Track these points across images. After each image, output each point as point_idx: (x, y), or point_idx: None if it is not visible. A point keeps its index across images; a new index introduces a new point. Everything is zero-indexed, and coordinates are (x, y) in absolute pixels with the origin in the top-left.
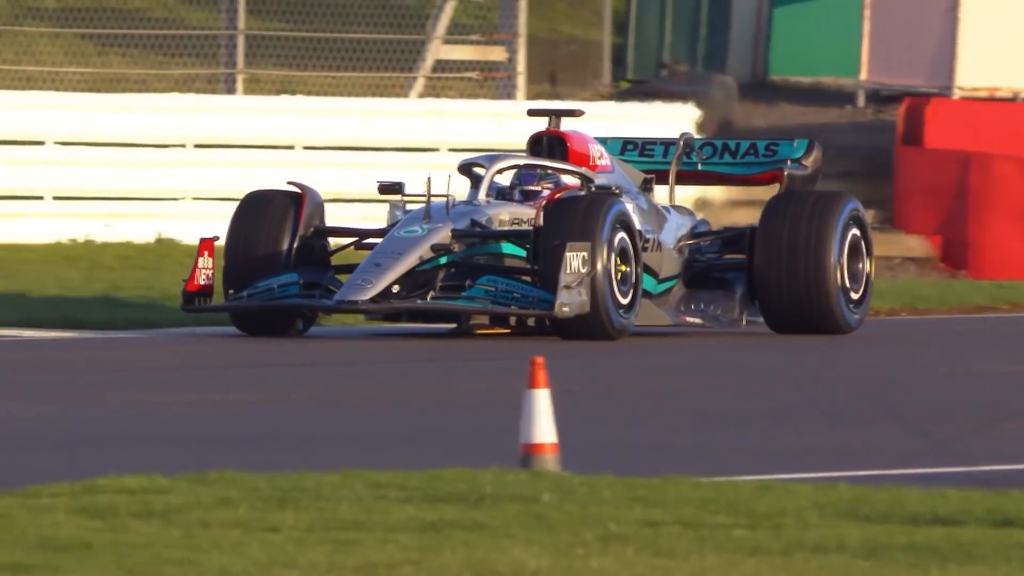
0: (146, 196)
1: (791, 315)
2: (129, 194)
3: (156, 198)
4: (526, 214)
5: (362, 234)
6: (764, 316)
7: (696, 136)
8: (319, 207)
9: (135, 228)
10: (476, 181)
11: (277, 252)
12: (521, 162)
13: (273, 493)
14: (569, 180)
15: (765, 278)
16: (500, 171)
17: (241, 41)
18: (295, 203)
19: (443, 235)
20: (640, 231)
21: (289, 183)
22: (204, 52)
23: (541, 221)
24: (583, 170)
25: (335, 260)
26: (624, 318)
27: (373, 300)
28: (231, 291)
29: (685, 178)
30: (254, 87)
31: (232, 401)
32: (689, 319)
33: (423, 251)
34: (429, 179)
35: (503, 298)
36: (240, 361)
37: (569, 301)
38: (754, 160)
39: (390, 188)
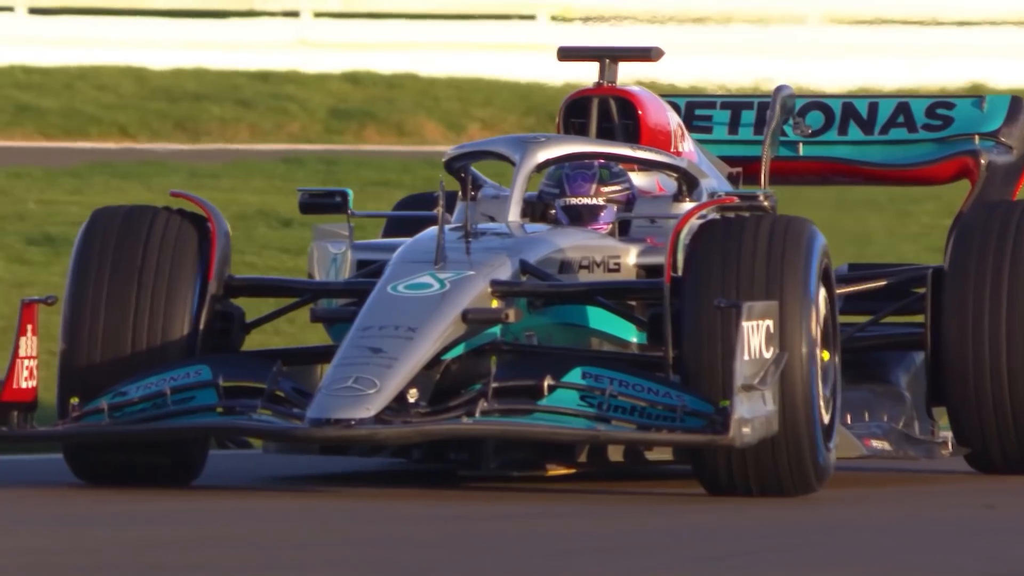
0: None
1: (1018, 441)
2: None
3: None
4: (611, 250)
5: (311, 291)
6: (959, 436)
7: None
8: (228, 241)
9: None
10: (473, 185)
11: (169, 328)
12: (580, 148)
13: None
14: (641, 182)
15: (966, 367)
16: (540, 168)
17: None
18: (199, 233)
19: (478, 291)
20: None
21: (176, 194)
22: None
23: (677, 263)
24: (685, 162)
25: (253, 342)
26: (829, 450)
27: (381, 418)
28: (74, 401)
29: (775, 173)
30: None
31: None
32: (875, 444)
33: (450, 323)
34: (442, 183)
35: (620, 411)
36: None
37: (752, 414)
38: (907, 137)
39: (324, 203)
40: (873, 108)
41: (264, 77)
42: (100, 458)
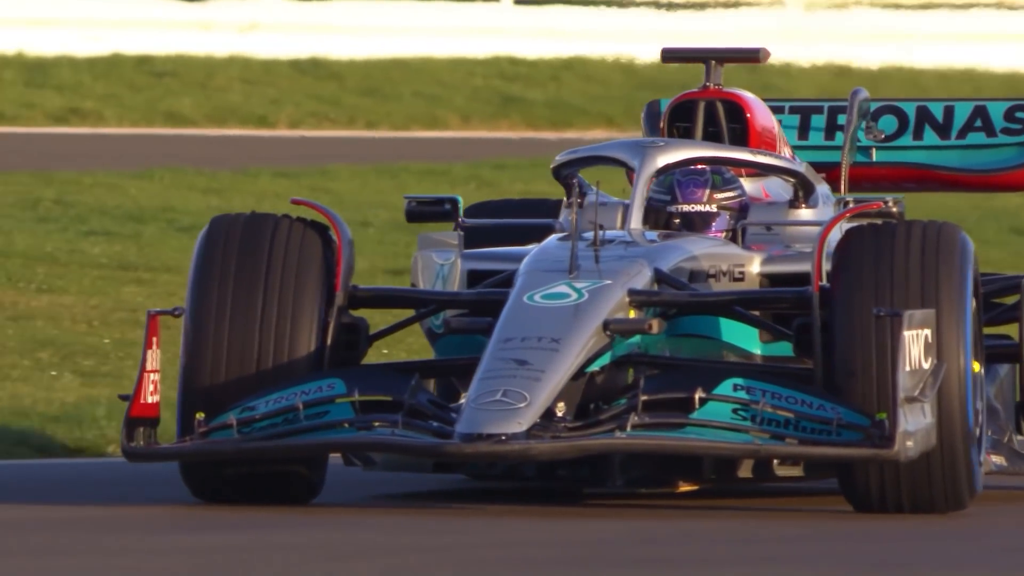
0: None
1: None
2: None
3: None
4: (736, 259)
5: (437, 302)
6: None
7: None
8: (352, 250)
9: None
10: (579, 190)
11: (296, 340)
12: (699, 153)
13: None
14: (747, 188)
15: None
16: (659, 173)
17: None
18: (324, 243)
19: (616, 300)
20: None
21: (296, 202)
22: None
23: (823, 271)
24: (803, 167)
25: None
26: (980, 464)
27: (532, 433)
28: (200, 416)
29: (854, 179)
30: None
31: None
32: (994, 459)
33: (592, 334)
34: (576, 188)
35: (773, 424)
36: None
37: (914, 427)
38: (986, 142)
39: (434, 210)
40: (949, 111)
41: (752, 68)
42: (223, 473)
